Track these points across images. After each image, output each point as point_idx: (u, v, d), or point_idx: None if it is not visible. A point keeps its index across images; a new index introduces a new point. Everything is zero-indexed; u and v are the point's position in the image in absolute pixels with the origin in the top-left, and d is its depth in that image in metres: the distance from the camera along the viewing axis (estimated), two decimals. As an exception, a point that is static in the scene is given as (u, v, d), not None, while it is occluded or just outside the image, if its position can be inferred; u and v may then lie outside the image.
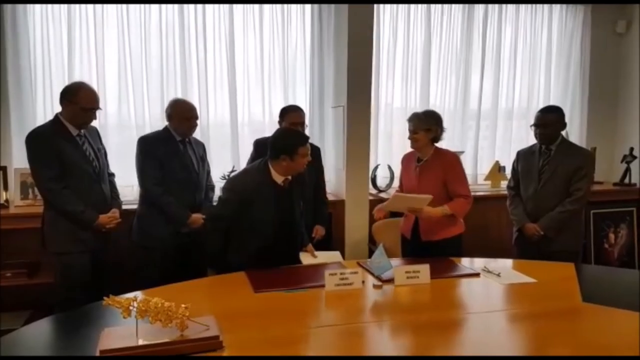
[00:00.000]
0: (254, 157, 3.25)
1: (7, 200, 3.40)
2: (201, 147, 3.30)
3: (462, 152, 4.45)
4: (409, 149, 3.13)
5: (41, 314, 2.34)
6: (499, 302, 2.31)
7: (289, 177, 2.68)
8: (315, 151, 2.98)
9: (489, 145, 4.55)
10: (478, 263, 2.79)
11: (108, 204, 2.92)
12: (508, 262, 2.86)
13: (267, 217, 2.60)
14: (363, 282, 2.38)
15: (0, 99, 3.44)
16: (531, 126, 3.24)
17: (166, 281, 2.42)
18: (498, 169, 4.47)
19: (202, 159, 3.25)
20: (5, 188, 3.39)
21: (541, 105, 4.68)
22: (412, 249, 3.04)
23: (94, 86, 3.54)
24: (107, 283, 2.85)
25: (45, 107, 3.53)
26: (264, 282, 2.39)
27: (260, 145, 3.20)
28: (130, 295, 1.99)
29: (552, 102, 4.76)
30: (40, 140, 2.68)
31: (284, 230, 2.68)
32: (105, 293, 1.93)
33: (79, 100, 2.71)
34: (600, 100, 4.82)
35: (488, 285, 2.47)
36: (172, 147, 3.06)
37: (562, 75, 4.71)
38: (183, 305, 1.76)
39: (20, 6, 3.42)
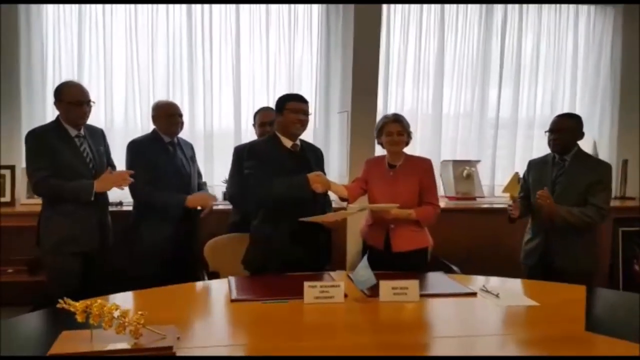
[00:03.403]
0: (235, 166, 3.21)
1: (13, 198, 3.47)
2: (189, 147, 3.29)
3: (479, 162, 4.28)
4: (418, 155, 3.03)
5: (41, 310, 2.34)
6: (489, 326, 2.12)
7: (298, 143, 2.75)
8: (317, 153, 2.92)
9: (508, 155, 4.36)
10: (478, 281, 2.63)
11: (107, 201, 2.97)
12: (513, 282, 2.66)
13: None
14: (346, 295, 2.27)
15: (12, 100, 3.54)
16: (546, 132, 3.06)
17: (159, 285, 2.40)
18: (517, 180, 4.24)
19: (192, 159, 3.24)
20: (13, 186, 3.46)
21: (566, 114, 4.47)
22: (381, 261, 2.78)
23: (101, 91, 3.65)
24: (100, 285, 2.85)
25: (54, 110, 3.56)
26: (244, 291, 2.32)
27: (241, 153, 3.15)
28: (112, 298, 1.97)
29: (578, 112, 4.50)
30: (36, 139, 2.72)
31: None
32: (96, 294, 1.95)
33: (64, 97, 2.75)
34: (632, 110, 4.51)
35: (482, 306, 2.28)
36: (162, 149, 3.06)
37: (589, 83, 4.45)
38: (139, 312, 1.72)
39: (34, 12, 3.53)
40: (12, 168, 3.47)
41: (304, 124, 2.71)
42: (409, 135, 2.87)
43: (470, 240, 3.89)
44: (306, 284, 2.24)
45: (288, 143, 2.73)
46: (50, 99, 3.59)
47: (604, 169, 3.01)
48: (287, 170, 2.64)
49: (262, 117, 3.23)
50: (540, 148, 4.31)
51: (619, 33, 4.41)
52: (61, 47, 3.59)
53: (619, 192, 4.59)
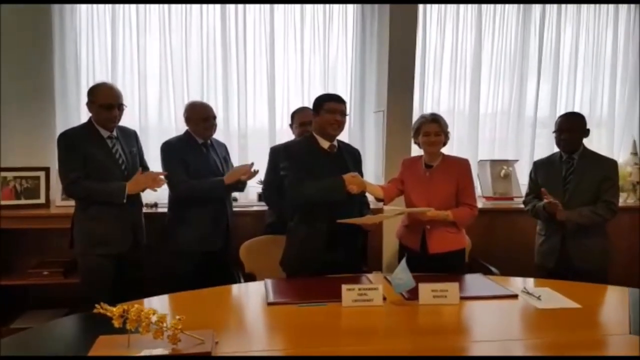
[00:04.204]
0: (270, 166, 3.20)
1: (48, 200, 3.49)
2: (223, 148, 3.27)
3: (516, 161, 4.16)
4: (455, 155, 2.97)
5: (77, 312, 2.34)
6: (531, 330, 2.05)
7: (335, 144, 2.71)
8: (355, 153, 2.88)
9: (547, 153, 4.15)
10: (518, 283, 2.56)
11: (140, 202, 2.97)
12: (553, 284, 2.56)
13: None
14: (385, 298, 2.21)
15: (46, 102, 3.57)
16: (553, 132, 3.08)
17: (194, 287, 2.38)
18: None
19: (226, 160, 3.22)
20: (48, 188, 3.49)
21: (605, 113, 4.33)
22: (417, 263, 2.68)
23: (135, 91, 3.64)
24: (135, 287, 2.85)
25: (88, 112, 3.60)
26: (280, 294, 2.29)
27: (277, 154, 3.13)
28: (147, 301, 1.97)
29: (618, 110, 4.41)
30: (68, 141, 2.72)
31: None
32: (130, 296, 1.91)
33: (96, 99, 2.74)
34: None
35: (524, 309, 2.21)
36: (195, 150, 3.04)
37: (630, 80, 4.30)
38: (177, 317, 1.69)
39: (67, 12, 3.55)
40: (46, 170, 3.48)
41: (340, 125, 2.66)
42: (446, 136, 2.81)
43: (509, 240, 3.79)
44: (344, 286, 2.19)
45: (325, 144, 2.69)
46: (84, 100, 3.60)
47: (611, 165, 3.03)
48: (323, 171, 2.59)
49: (303, 117, 3.17)
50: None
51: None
52: (95, 48, 3.61)
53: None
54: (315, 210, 2.61)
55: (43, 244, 3.46)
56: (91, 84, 3.52)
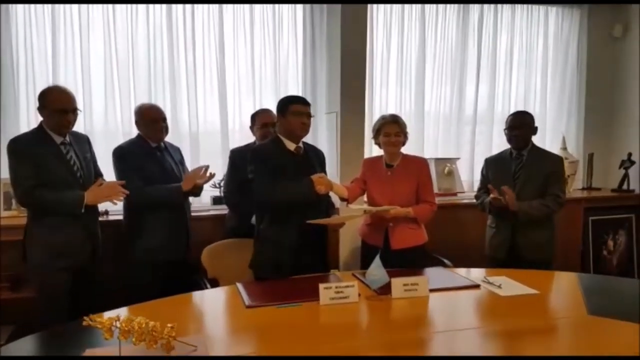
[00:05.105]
0: (230, 169, 3.21)
1: (-11, 212, 3.27)
2: (177, 151, 3.19)
3: (458, 159, 4.39)
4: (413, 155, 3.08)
5: (25, 329, 2.21)
6: (502, 316, 2.18)
7: (301, 145, 2.72)
8: (319, 154, 2.91)
9: (486, 150, 4.45)
10: (476, 273, 2.70)
11: (97, 211, 2.84)
12: (508, 272, 2.72)
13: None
14: (359, 295, 2.28)
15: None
16: (505, 129, 3.22)
17: (157, 296, 2.31)
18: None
19: (182, 162, 3.16)
20: (-12, 199, 3.27)
21: (538, 110, 4.66)
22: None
23: (79, 95, 3.47)
24: (94, 299, 2.73)
25: (29, 117, 3.41)
26: (256, 297, 2.29)
27: (237, 156, 3.15)
28: (114, 313, 1.90)
29: (549, 108, 4.74)
30: (19, 147, 2.56)
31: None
32: (89, 310, 1.84)
33: (48, 103, 2.59)
34: (597, 105, 4.78)
35: (489, 297, 2.36)
36: (150, 155, 2.95)
37: (558, 80, 4.67)
38: (169, 325, 1.66)
39: (3, 16, 3.31)
40: (-14, 180, 3.26)
41: (307, 127, 2.70)
42: (405, 136, 2.93)
43: (456, 234, 3.96)
44: (321, 285, 2.24)
45: (291, 145, 2.71)
46: (23, 107, 3.44)
47: (557, 160, 3.21)
48: (291, 173, 2.61)
49: (265, 119, 3.17)
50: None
51: (584, 34, 4.66)
52: (33, 51, 3.39)
53: (586, 183, 4.81)
54: (285, 212, 2.63)
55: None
56: (30, 90, 3.41)
